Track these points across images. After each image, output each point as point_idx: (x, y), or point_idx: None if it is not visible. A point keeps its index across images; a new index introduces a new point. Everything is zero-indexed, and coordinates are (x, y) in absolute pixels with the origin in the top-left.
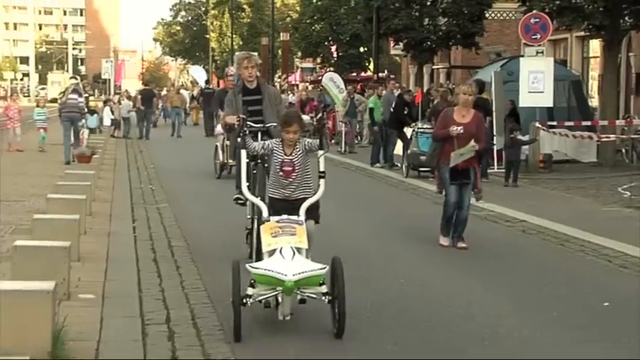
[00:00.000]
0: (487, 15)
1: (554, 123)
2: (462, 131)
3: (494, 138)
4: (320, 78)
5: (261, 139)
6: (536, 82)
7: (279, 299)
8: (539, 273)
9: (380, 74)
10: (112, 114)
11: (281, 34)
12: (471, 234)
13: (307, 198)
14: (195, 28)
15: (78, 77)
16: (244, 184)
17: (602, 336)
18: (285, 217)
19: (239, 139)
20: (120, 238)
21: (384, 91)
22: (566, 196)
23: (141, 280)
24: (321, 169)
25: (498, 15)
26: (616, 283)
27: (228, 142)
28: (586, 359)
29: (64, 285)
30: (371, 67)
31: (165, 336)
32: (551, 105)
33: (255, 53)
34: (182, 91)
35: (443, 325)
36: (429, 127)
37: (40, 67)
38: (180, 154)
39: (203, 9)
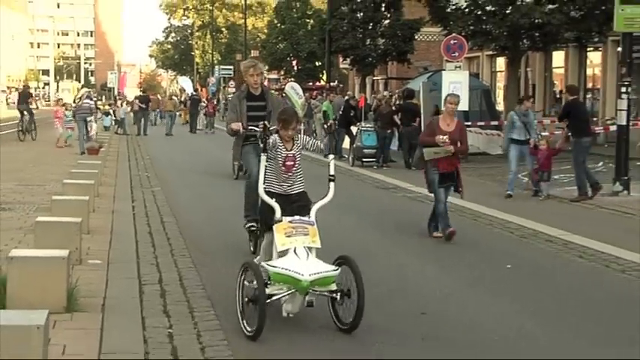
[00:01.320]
0: (416, 37)
1: (469, 123)
2: (447, 141)
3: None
4: (283, 87)
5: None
6: (455, 90)
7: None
8: (455, 242)
9: (331, 84)
10: (115, 116)
11: (252, 51)
12: (404, 212)
13: (300, 192)
14: (182, 47)
15: (90, 88)
16: (261, 186)
17: (505, 292)
18: (297, 217)
19: (260, 144)
20: (121, 215)
21: (335, 97)
22: (479, 181)
23: (138, 249)
24: (331, 173)
25: (425, 37)
26: (517, 250)
27: None
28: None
29: (77, 253)
30: (324, 78)
31: (158, 294)
32: (466, 109)
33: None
34: (173, 97)
35: (378, 279)
36: (370, 126)
37: (58, 77)
38: (170, 148)
39: (189, 31)
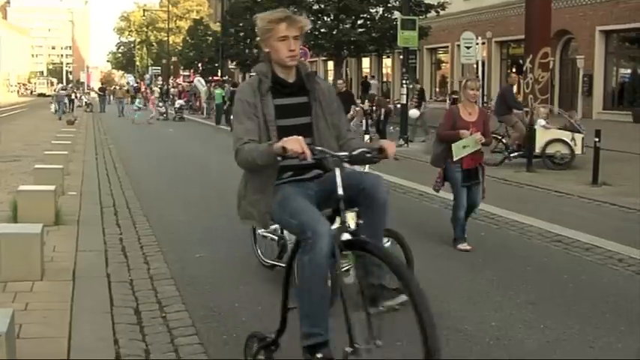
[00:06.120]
0: None
1: None
2: (481, 137)
3: None
4: (192, 80)
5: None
6: None
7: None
8: None
9: (224, 78)
10: (86, 99)
11: (172, 57)
12: None
13: None
14: (128, 55)
15: (63, 82)
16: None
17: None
18: None
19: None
20: (88, 163)
21: (226, 86)
22: None
23: (100, 185)
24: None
25: None
26: None
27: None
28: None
29: (61, 187)
30: (219, 74)
31: (112, 213)
32: None
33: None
34: (123, 87)
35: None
36: None
37: (48, 76)
38: (120, 121)
39: (132, 45)
